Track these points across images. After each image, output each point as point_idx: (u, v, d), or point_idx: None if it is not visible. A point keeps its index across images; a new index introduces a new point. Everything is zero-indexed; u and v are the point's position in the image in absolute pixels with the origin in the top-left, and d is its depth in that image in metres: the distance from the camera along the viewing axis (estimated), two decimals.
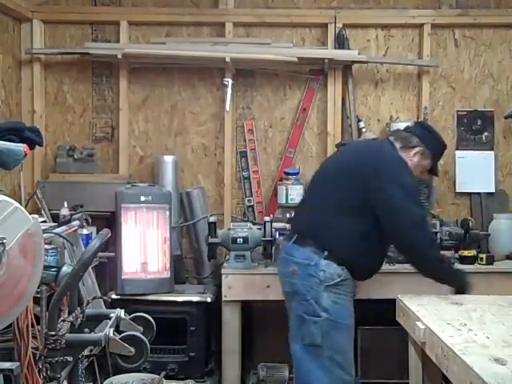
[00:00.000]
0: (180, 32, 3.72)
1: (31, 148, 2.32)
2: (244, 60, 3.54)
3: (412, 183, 2.44)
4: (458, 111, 3.73)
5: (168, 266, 3.24)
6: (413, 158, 2.53)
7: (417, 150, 2.54)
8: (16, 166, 2.23)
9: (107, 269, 3.33)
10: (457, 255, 3.33)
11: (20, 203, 1.66)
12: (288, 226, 2.94)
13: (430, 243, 2.54)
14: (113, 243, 3.15)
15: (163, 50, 3.57)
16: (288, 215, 3.51)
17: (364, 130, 3.64)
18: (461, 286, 2.52)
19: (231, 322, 3.09)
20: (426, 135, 2.58)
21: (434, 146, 2.59)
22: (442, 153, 2.68)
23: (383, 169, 2.40)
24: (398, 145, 2.55)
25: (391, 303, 2.57)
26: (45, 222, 3.02)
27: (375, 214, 2.38)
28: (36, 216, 1.77)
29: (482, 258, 3.25)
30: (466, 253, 3.28)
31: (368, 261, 2.50)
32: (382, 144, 2.64)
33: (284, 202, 3.51)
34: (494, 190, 3.69)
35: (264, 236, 3.10)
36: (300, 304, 2.40)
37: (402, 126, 3.47)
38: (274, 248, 3.13)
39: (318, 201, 2.52)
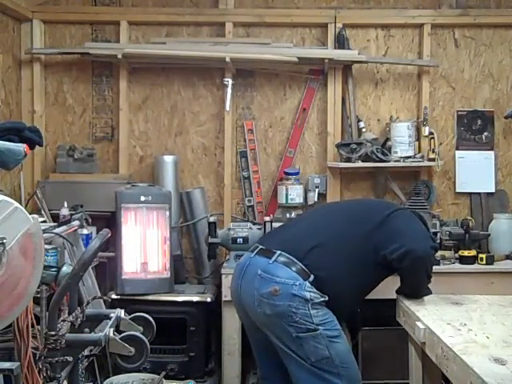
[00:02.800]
0: (180, 32, 3.72)
1: (31, 148, 2.32)
2: (244, 60, 3.54)
3: None
4: (458, 111, 3.73)
5: (168, 266, 3.24)
6: None
7: None
8: (16, 166, 2.22)
9: (107, 269, 3.33)
10: (457, 255, 3.33)
11: (20, 203, 1.66)
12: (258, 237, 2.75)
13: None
14: (113, 243, 3.16)
15: (163, 50, 3.57)
16: (288, 215, 3.52)
17: (364, 130, 3.65)
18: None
19: (231, 322, 3.09)
20: None
21: None
22: None
23: None
24: None
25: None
26: (45, 221, 3.02)
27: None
28: (36, 216, 1.77)
29: (482, 258, 3.25)
30: (465, 253, 3.29)
31: (349, 303, 2.42)
32: None
33: (284, 201, 3.52)
34: (493, 190, 3.69)
35: None
36: (290, 326, 2.22)
37: (402, 125, 3.53)
38: None
39: (322, 229, 2.40)
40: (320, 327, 2.24)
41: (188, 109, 3.74)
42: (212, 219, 3.21)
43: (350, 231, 2.36)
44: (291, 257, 2.27)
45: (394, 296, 2.72)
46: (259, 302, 2.24)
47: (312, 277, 2.26)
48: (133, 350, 1.95)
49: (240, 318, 2.51)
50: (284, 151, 3.72)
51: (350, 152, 3.48)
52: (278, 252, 2.28)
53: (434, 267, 3.20)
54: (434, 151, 3.56)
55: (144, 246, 3.22)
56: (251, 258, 2.33)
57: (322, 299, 2.26)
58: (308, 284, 2.25)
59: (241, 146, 3.73)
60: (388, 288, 3.00)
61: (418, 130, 3.63)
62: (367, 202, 2.91)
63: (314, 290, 2.25)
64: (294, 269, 2.26)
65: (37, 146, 2.44)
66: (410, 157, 3.51)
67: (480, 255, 3.27)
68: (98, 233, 2.16)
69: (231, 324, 3.10)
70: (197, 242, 3.64)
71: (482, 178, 3.69)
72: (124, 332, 2.04)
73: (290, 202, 3.50)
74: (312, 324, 2.23)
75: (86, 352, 2.04)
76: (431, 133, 3.59)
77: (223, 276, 3.11)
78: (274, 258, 2.27)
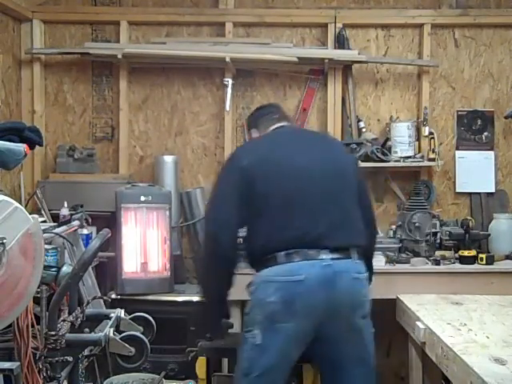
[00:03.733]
0: (180, 32, 3.72)
1: (31, 148, 2.31)
2: (244, 60, 3.54)
3: None
4: (458, 111, 3.73)
5: (168, 266, 3.24)
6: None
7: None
8: (16, 166, 2.22)
9: (107, 269, 3.32)
10: (457, 255, 3.33)
11: (20, 203, 1.66)
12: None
13: None
14: (113, 243, 3.15)
15: (163, 50, 3.57)
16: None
17: (364, 130, 3.64)
18: None
19: (231, 321, 3.08)
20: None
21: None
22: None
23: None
24: None
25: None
26: (45, 222, 3.02)
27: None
28: (36, 216, 1.77)
29: (482, 258, 3.25)
30: (465, 253, 3.29)
31: None
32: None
33: None
34: (493, 190, 3.68)
35: None
36: (369, 323, 2.16)
37: (402, 125, 3.53)
38: None
39: (329, 204, 2.21)
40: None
41: (188, 109, 3.74)
42: None
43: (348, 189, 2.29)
44: (359, 249, 2.19)
45: (394, 296, 2.73)
46: (362, 304, 2.14)
47: (362, 259, 2.21)
48: (133, 349, 1.96)
49: (306, 334, 2.11)
50: None
51: (350, 152, 3.47)
52: (353, 249, 2.16)
53: (434, 267, 3.24)
54: (434, 151, 3.55)
55: (144, 246, 3.22)
56: (330, 265, 2.09)
57: None
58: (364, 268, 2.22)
59: None
60: (388, 288, 3.01)
61: (418, 130, 3.62)
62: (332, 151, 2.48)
63: None
64: (359, 259, 2.19)
65: (37, 146, 2.43)
66: (409, 157, 3.51)
67: (480, 255, 3.27)
68: (98, 233, 2.16)
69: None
70: (197, 242, 3.64)
71: (482, 178, 3.69)
72: (124, 332, 2.04)
73: None
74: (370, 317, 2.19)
75: (86, 352, 2.04)
76: (431, 133, 3.59)
77: None
78: (354, 256, 2.15)
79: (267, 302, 2.07)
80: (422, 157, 3.55)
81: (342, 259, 2.11)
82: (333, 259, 2.09)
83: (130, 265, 3.20)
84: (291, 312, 2.04)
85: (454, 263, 3.28)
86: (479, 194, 3.70)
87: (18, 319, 1.94)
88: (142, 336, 2.02)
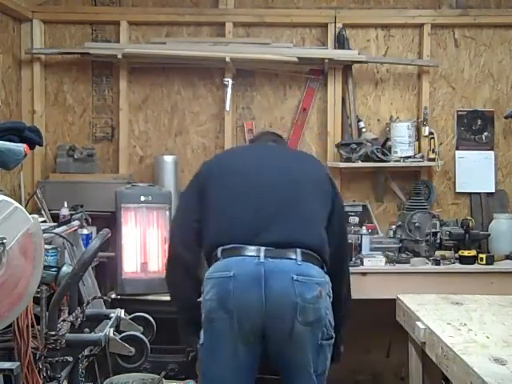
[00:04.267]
0: (180, 32, 3.72)
1: (31, 148, 2.31)
2: (244, 60, 3.54)
3: None
4: (458, 111, 3.73)
5: None
6: None
7: None
8: (16, 166, 2.22)
9: (107, 269, 3.32)
10: (457, 255, 3.33)
11: (20, 203, 1.66)
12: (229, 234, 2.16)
13: None
14: (113, 243, 3.15)
15: (163, 50, 3.57)
16: None
17: (364, 130, 3.65)
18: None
19: None
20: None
21: None
22: None
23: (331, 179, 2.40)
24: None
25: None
26: (45, 222, 3.02)
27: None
28: (36, 216, 1.77)
29: (482, 258, 3.25)
30: (465, 253, 3.29)
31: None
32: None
33: None
34: (493, 190, 3.69)
35: None
36: (320, 331, 2.04)
37: (402, 125, 3.53)
38: None
39: (285, 207, 2.16)
40: (333, 333, 2.11)
41: (188, 109, 3.74)
42: None
43: (319, 206, 2.24)
44: (309, 251, 2.07)
45: (394, 296, 2.73)
46: (303, 310, 1.98)
47: (324, 266, 2.12)
48: (133, 349, 1.96)
49: (242, 337, 2.03)
50: None
51: (350, 152, 3.48)
52: (298, 249, 2.05)
53: (434, 267, 3.24)
54: (434, 151, 3.56)
55: (144, 246, 3.22)
56: (263, 262, 2.01)
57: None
58: (328, 278, 2.10)
59: None
60: (388, 288, 3.02)
61: (418, 130, 3.63)
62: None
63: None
64: (317, 263, 2.09)
65: (37, 146, 2.44)
66: (410, 157, 3.51)
67: (480, 255, 3.27)
68: (98, 233, 2.16)
69: None
70: None
71: (482, 178, 3.69)
72: (124, 332, 2.04)
73: None
74: (332, 329, 2.09)
75: (86, 352, 2.04)
76: (431, 133, 3.59)
77: None
78: (299, 258, 2.04)
79: (205, 300, 2.06)
80: (422, 157, 3.55)
81: (280, 258, 2.03)
82: (267, 257, 2.02)
83: (130, 265, 3.20)
84: (225, 309, 2.00)
85: (454, 263, 3.28)
86: (479, 193, 3.70)
87: (18, 319, 1.94)
88: (142, 336, 2.02)
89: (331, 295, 2.11)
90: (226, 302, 1.99)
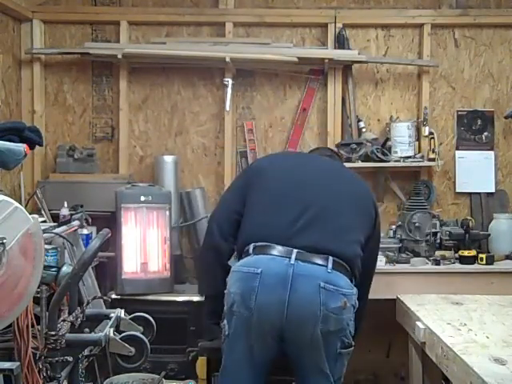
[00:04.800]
0: (180, 32, 3.72)
1: (31, 148, 2.31)
2: (244, 60, 3.54)
3: None
4: (458, 111, 3.73)
5: (168, 266, 3.24)
6: None
7: None
8: (16, 166, 2.22)
9: (107, 269, 3.32)
10: (457, 255, 3.33)
11: (20, 203, 1.66)
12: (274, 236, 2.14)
13: None
14: (113, 243, 3.15)
15: (163, 50, 3.57)
16: None
17: (364, 130, 3.65)
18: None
19: None
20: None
21: None
22: None
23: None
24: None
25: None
26: (45, 221, 3.02)
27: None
28: (36, 216, 1.77)
29: (482, 258, 3.25)
30: (465, 253, 3.29)
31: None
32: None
33: None
34: (493, 190, 3.69)
35: None
36: (340, 341, 2.05)
37: (402, 125, 3.53)
38: None
39: (327, 216, 2.16)
40: (353, 343, 2.12)
41: (188, 109, 3.74)
42: None
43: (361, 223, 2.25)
44: (341, 261, 2.06)
45: (394, 296, 2.73)
46: (325, 319, 1.97)
47: (354, 279, 2.12)
48: (133, 349, 1.96)
49: (258, 335, 2.03)
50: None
51: (350, 152, 3.48)
52: (330, 257, 2.04)
53: (434, 267, 3.24)
54: (434, 151, 3.56)
55: (144, 246, 3.22)
56: (293, 264, 2.00)
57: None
58: (356, 290, 2.10)
59: (241, 146, 3.73)
60: (388, 288, 3.01)
61: (418, 130, 3.62)
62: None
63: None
64: (347, 274, 2.07)
65: (37, 146, 2.44)
66: (410, 157, 3.51)
67: (480, 255, 3.27)
68: (98, 233, 2.16)
69: None
70: (197, 242, 3.64)
71: (482, 178, 3.69)
72: (124, 332, 2.04)
73: None
74: (351, 338, 2.10)
75: (86, 352, 2.04)
76: (431, 133, 3.59)
77: None
78: (330, 266, 2.02)
79: (229, 292, 2.08)
80: (422, 157, 3.55)
81: (311, 264, 2.01)
82: (298, 260, 2.01)
83: (130, 265, 3.20)
84: (246, 305, 2.00)
85: (454, 263, 3.28)
86: (479, 194, 3.70)
87: (18, 319, 1.94)
88: (142, 336, 2.02)
89: (356, 306, 2.10)
90: (248, 298, 2.00)
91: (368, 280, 2.35)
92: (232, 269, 2.12)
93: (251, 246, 2.11)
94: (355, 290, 2.08)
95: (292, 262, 2.00)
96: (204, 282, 2.41)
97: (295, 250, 2.02)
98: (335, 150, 2.90)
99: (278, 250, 2.04)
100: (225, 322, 2.10)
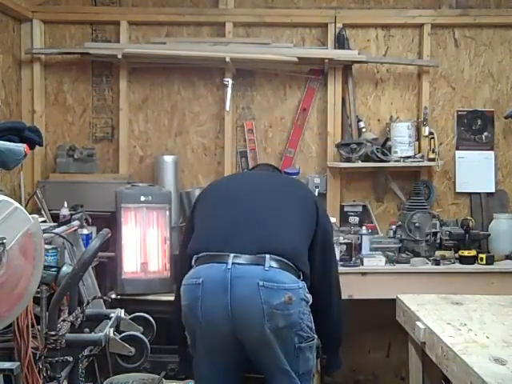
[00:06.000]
0: (180, 32, 3.72)
1: (31, 148, 2.31)
2: (244, 60, 3.54)
3: None
4: (458, 111, 3.73)
5: (168, 266, 3.24)
6: None
7: None
8: (16, 166, 2.22)
9: (107, 269, 3.32)
10: (457, 255, 3.34)
11: (20, 203, 1.66)
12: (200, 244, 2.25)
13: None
14: (113, 243, 3.15)
15: (163, 50, 3.57)
16: None
17: (364, 129, 3.65)
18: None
19: None
20: None
21: None
22: None
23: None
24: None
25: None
26: (45, 221, 3.02)
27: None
28: (36, 216, 1.77)
29: (482, 258, 3.25)
30: (465, 253, 3.29)
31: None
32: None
33: None
34: (493, 190, 3.69)
35: None
36: (296, 335, 2.07)
37: (402, 125, 3.53)
38: None
39: (264, 217, 2.22)
40: (315, 334, 2.15)
41: (188, 109, 3.74)
42: None
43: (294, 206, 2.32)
44: (280, 257, 2.08)
45: (394, 296, 2.73)
46: (270, 316, 2.00)
47: (301, 274, 2.15)
48: (133, 349, 1.96)
49: (212, 341, 2.11)
50: (284, 151, 3.72)
51: (350, 152, 3.48)
52: (267, 255, 2.07)
53: (434, 267, 3.24)
54: (434, 151, 3.56)
55: (144, 246, 3.22)
56: (230, 269, 2.04)
57: (311, 301, 2.16)
58: (304, 284, 2.14)
59: (241, 146, 3.73)
60: (388, 288, 3.01)
61: (418, 130, 3.63)
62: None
63: (307, 290, 2.16)
64: (290, 270, 2.10)
65: (37, 146, 2.44)
66: (410, 157, 3.51)
67: (480, 255, 3.27)
68: (98, 233, 2.16)
69: None
70: None
71: (482, 177, 3.69)
72: (124, 332, 2.04)
73: None
74: (311, 331, 2.13)
75: (86, 352, 2.04)
76: (431, 133, 3.59)
77: None
78: (267, 264, 2.05)
79: (182, 305, 2.16)
80: (422, 157, 3.56)
81: (248, 265, 2.05)
82: (235, 264, 2.04)
83: (130, 265, 3.20)
84: (194, 314, 2.07)
85: (454, 263, 3.29)
86: (479, 194, 3.70)
87: (18, 319, 1.94)
88: (142, 336, 2.02)
89: (308, 300, 2.13)
90: (195, 308, 2.07)
91: (327, 287, 2.36)
92: (182, 283, 2.19)
93: (194, 259, 2.19)
94: (301, 284, 2.11)
95: (229, 266, 2.04)
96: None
97: (232, 255, 2.07)
98: (274, 165, 3.02)
99: (215, 257, 2.10)
100: (186, 333, 2.21)
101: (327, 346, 2.43)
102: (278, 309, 2.01)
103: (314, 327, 2.15)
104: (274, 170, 2.83)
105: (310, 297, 2.15)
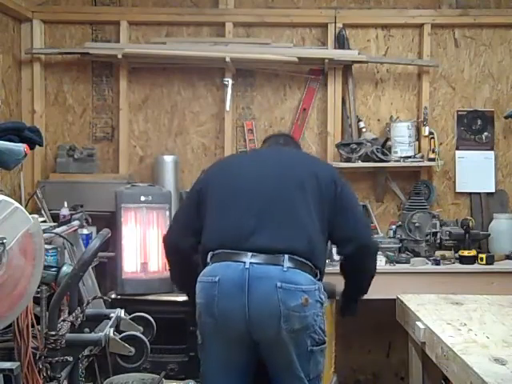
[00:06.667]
0: (180, 32, 3.72)
1: (31, 148, 2.31)
2: (244, 60, 3.54)
3: None
4: (458, 111, 3.73)
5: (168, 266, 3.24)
6: None
7: None
8: (16, 165, 2.22)
9: (107, 269, 3.32)
10: (457, 255, 3.34)
11: (20, 203, 1.65)
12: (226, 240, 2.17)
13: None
14: (113, 243, 3.15)
15: (163, 50, 3.57)
16: None
17: (364, 129, 3.65)
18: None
19: None
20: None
21: None
22: None
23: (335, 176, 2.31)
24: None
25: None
26: (45, 221, 3.02)
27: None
28: (36, 216, 1.77)
29: (482, 258, 3.25)
30: (465, 253, 3.29)
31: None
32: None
33: None
34: (493, 190, 3.69)
35: None
36: (309, 338, 2.04)
37: (402, 125, 3.53)
38: None
39: (278, 213, 2.14)
40: (326, 338, 2.12)
41: (188, 109, 3.74)
42: None
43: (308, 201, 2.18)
44: (298, 257, 2.05)
45: (394, 296, 2.73)
46: (287, 318, 1.98)
47: (318, 272, 2.12)
48: (133, 349, 1.96)
49: (227, 341, 2.09)
50: None
51: (350, 152, 3.48)
52: (286, 256, 2.03)
53: (434, 267, 3.23)
54: (434, 151, 3.56)
55: (144, 246, 3.22)
56: (248, 268, 2.01)
57: (325, 298, 2.15)
58: (319, 284, 2.10)
59: (241, 146, 3.73)
60: (388, 288, 3.01)
61: (418, 130, 3.63)
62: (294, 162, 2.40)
63: (323, 291, 2.13)
64: (308, 270, 2.07)
65: (37, 146, 2.44)
66: (409, 157, 3.51)
67: (480, 255, 3.27)
68: (97, 233, 2.16)
69: None
70: None
71: (482, 177, 3.69)
72: (124, 332, 2.04)
73: None
74: (323, 334, 2.10)
75: (86, 352, 2.04)
76: (431, 133, 3.59)
77: None
78: (286, 264, 2.02)
79: (197, 303, 2.13)
80: (422, 157, 3.56)
81: (266, 265, 2.02)
82: (253, 263, 2.01)
83: (130, 265, 3.20)
84: (210, 313, 2.05)
85: (454, 263, 3.29)
86: (479, 194, 3.70)
87: (18, 319, 1.94)
88: (142, 336, 2.02)
89: (323, 301, 2.11)
90: (211, 306, 2.05)
91: (358, 241, 2.24)
92: (197, 280, 2.15)
93: (209, 255, 2.15)
94: (318, 285, 2.08)
95: (247, 266, 2.01)
96: (178, 284, 2.52)
97: (249, 254, 2.04)
98: (289, 134, 2.88)
99: (232, 255, 2.06)
100: (197, 331, 2.17)
101: (351, 291, 2.39)
102: (295, 310, 1.99)
103: (325, 329, 2.12)
104: (286, 141, 2.64)
105: (324, 298, 2.13)
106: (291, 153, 2.51)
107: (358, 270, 2.31)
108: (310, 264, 2.08)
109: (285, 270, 2.01)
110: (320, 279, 2.14)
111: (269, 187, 2.20)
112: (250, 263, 2.02)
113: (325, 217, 2.19)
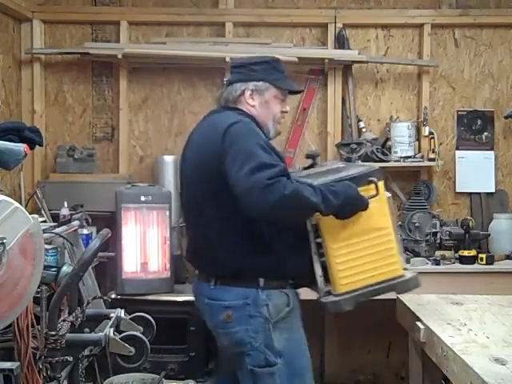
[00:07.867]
0: (180, 32, 3.72)
1: (31, 148, 2.31)
2: None
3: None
4: (458, 111, 3.73)
5: (168, 266, 3.24)
6: (250, 104, 2.06)
7: (247, 93, 2.05)
8: (16, 165, 2.22)
9: (107, 269, 3.32)
10: (457, 255, 3.34)
11: (20, 203, 1.65)
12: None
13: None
14: (113, 243, 3.16)
15: (163, 50, 3.57)
16: None
17: (364, 129, 3.65)
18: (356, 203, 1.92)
19: None
20: (246, 72, 2.07)
21: (262, 72, 2.06)
22: (277, 66, 2.12)
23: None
24: (223, 108, 2.09)
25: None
26: (45, 221, 3.02)
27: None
28: (36, 216, 1.77)
29: (482, 258, 3.25)
30: (465, 253, 3.29)
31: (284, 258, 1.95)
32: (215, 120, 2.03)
33: None
34: (493, 190, 3.69)
35: None
36: (246, 355, 1.91)
37: (402, 125, 3.53)
38: None
39: (201, 220, 2.01)
40: (280, 359, 1.91)
41: (188, 109, 3.74)
42: None
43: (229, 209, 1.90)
44: (223, 274, 1.98)
45: (394, 296, 2.72)
46: (215, 334, 2.02)
47: (262, 281, 1.94)
48: (133, 349, 1.96)
49: None
50: (284, 151, 3.71)
51: (350, 152, 3.48)
52: (211, 274, 2.01)
53: (434, 267, 3.23)
54: (433, 151, 3.56)
55: (144, 246, 3.22)
56: (196, 284, 2.12)
57: (288, 309, 1.95)
58: (262, 294, 1.92)
59: None
60: None
61: (418, 130, 3.63)
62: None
63: (275, 296, 1.94)
64: (237, 283, 1.93)
65: (37, 146, 2.44)
66: (409, 157, 3.51)
67: (480, 255, 3.27)
68: (97, 233, 2.16)
69: None
70: None
71: (482, 178, 3.69)
72: (124, 332, 2.04)
73: None
74: (272, 352, 1.91)
75: (86, 352, 2.04)
76: (431, 133, 3.59)
77: None
78: (212, 282, 1.98)
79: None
80: (422, 157, 3.56)
81: (201, 282, 2.06)
82: (197, 280, 2.12)
83: (130, 265, 3.20)
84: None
85: (454, 263, 3.29)
86: (479, 194, 3.70)
87: (18, 319, 1.94)
88: (142, 336, 2.02)
89: (264, 315, 1.92)
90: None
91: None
92: None
93: None
94: (252, 299, 1.91)
95: (196, 281, 2.13)
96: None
97: (196, 270, 2.15)
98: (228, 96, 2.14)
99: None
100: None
101: None
102: (218, 327, 1.99)
103: (283, 350, 1.92)
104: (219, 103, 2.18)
105: (266, 311, 1.92)
106: (199, 138, 2.09)
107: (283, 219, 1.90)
108: (237, 274, 1.95)
109: (212, 287, 1.99)
110: (265, 287, 1.94)
111: (188, 197, 2.10)
112: (197, 279, 2.11)
113: (223, 195, 1.89)
